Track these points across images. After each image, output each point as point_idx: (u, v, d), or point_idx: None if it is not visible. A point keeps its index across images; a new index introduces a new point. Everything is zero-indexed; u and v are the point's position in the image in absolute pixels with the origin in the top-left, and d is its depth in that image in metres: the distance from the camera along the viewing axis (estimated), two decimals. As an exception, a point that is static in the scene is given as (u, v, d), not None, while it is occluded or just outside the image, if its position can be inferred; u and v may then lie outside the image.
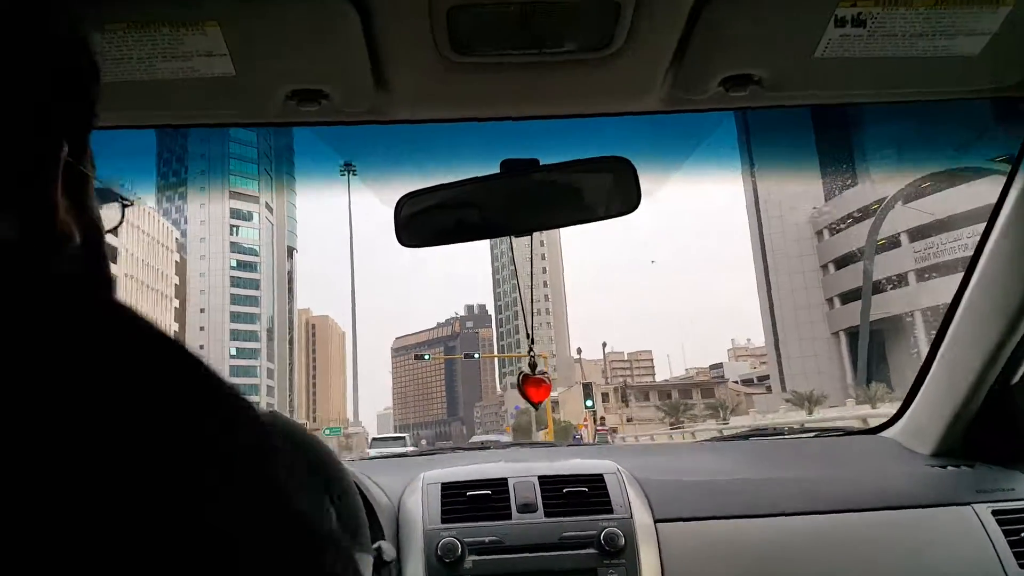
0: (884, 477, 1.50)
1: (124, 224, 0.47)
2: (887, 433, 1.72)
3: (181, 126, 1.15)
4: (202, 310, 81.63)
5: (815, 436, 1.89)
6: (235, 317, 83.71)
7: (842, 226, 49.13)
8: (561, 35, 0.98)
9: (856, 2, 0.91)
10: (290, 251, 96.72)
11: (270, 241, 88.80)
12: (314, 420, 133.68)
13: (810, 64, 1.01)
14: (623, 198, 1.13)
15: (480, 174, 1.13)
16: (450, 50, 0.96)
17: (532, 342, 1.24)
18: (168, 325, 68.36)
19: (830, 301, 50.74)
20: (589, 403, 27.76)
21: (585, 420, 43.11)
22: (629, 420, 55.98)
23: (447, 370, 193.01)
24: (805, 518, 1.38)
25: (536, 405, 1.25)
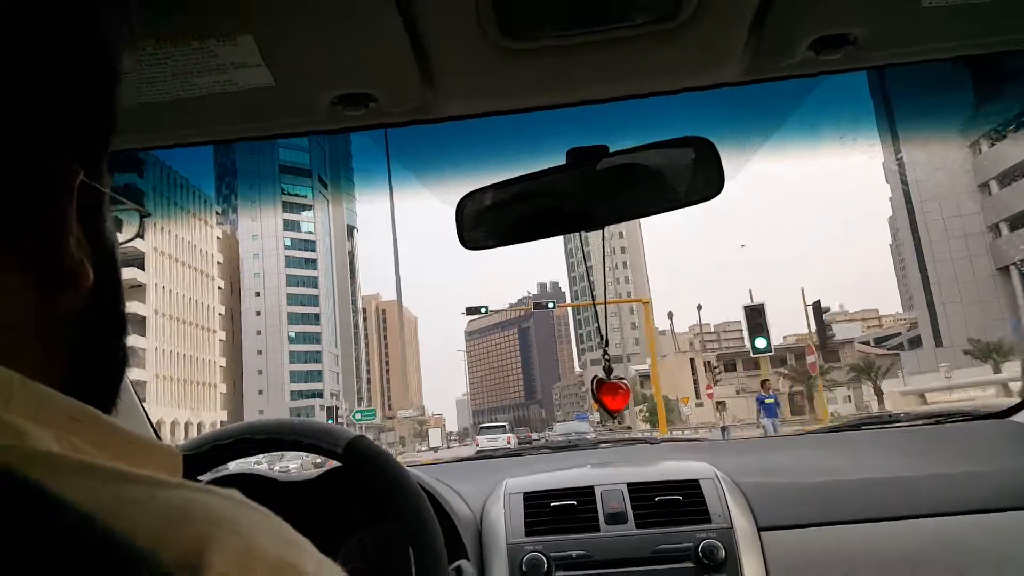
0: (1021, 470, 1.41)
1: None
2: (1018, 417, 1.62)
3: (227, 141, 1.17)
4: (257, 294, 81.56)
5: (935, 423, 1.81)
6: (292, 299, 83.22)
7: (1010, 129, 40.35)
8: (621, 9, 0.93)
9: None
10: (350, 230, 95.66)
11: (326, 220, 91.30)
12: (389, 408, 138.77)
13: (917, 15, 0.94)
14: (704, 182, 1.09)
15: (545, 166, 1.12)
16: (500, 36, 0.93)
17: (607, 345, 1.22)
18: (213, 308, 68.02)
19: (994, 228, 42.82)
20: (762, 343, 17.23)
21: (710, 390, 38.53)
22: (739, 393, 50.78)
23: (523, 351, 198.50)
24: (931, 521, 1.32)
25: (613, 414, 1.25)
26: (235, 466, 1.30)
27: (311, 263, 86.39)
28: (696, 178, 1.11)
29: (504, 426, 38.33)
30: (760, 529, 1.32)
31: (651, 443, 2.03)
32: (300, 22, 0.88)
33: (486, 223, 1.17)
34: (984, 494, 1.34)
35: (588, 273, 1.27)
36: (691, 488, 1.38)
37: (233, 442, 1.09)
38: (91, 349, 0.45)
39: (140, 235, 0.59)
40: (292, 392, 79.99)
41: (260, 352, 79.86)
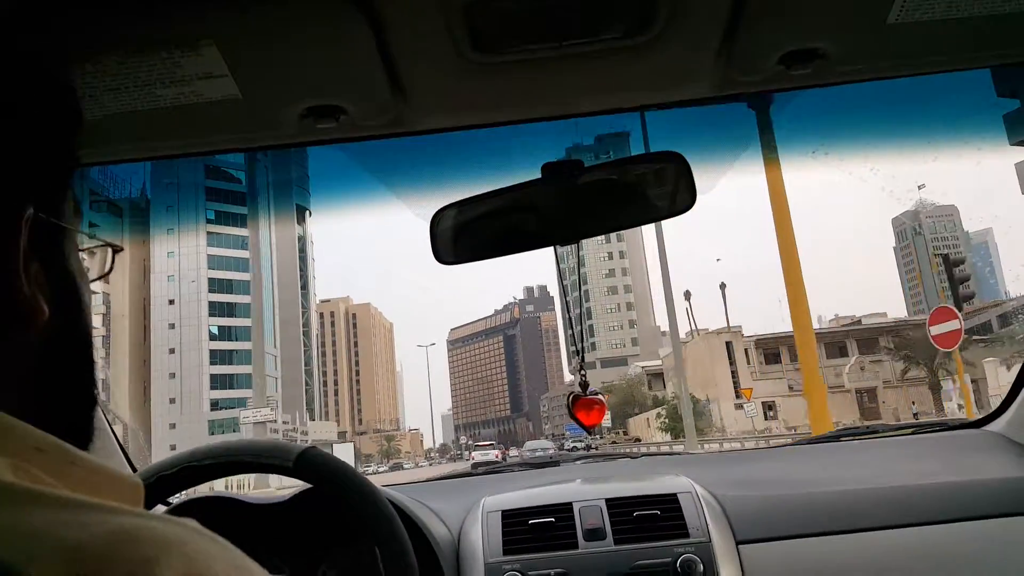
0: (997, 479, 1.60)
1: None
2: (992, 427, 1.85)
3: (195, 154, 1.30)
4: (170, 277, 75.04)
5: (912, 433, 2.06)
6: (214, 285, 76.72)
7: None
8: (593, 22, 1.06)
9: None
10: (300, 211, 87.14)
11: (267, 190, 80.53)
12: (360, 423, 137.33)
13: (882, 31, 1.08)
14: (677, 197, 1.25)
15: (520, 179, 1.28)
16: (471, 50, 1.06)
17: (582, 359, 1.39)
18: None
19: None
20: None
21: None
22: (793, 390, 40.07)
23: (508, 361, 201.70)
24: (909, 531, 1.50)
25: (589, 429, 1.50)
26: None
27: (241, 241, 79.19)
28: (669, 192, 1.27)
29: (493, 443, 59.45)
30: (739, 543, 1.49)
31: (632, 457, 2.23)
32: (266, 31, 0.98)
33: (460, 238, 1.33)
34: (963, 503, 1.53)
35: (579, 283, 1.51)
36: (669, 503, 1.54)
37: (178, 471, 1.18)
38: (57, 382, 0.53)
39: (109, 271, 0.67)
40: (212, 400, 74.76)
41: (173, 351, 73.93)
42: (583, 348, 1.45)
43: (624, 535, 1.52)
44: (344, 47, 1.03)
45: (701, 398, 44.12)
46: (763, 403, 37.89)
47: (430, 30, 1.01)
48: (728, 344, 47.37)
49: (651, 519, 1.53)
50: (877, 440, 2.08)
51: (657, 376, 58.10)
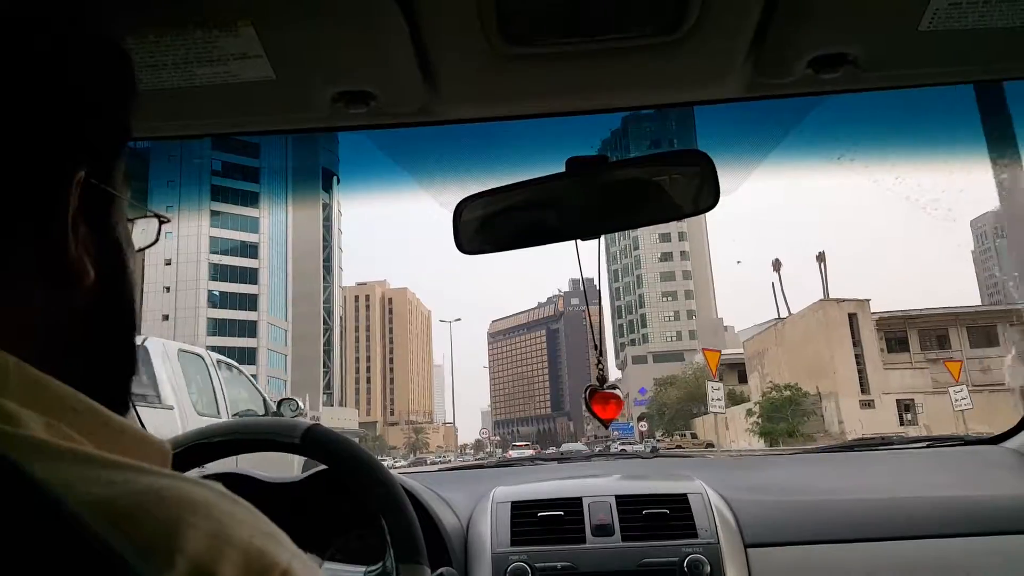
0: (1011, 496, 1.68)
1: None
2: (1009, 444, 1.93)
3: (227, 134, 1.42)
4: (167, 234, 75.83)
5: (927, 446, 2.17)
6: (216, 244, 75.46)
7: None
8: (624, 18, 1.15)
9: None
10: (327, 175, 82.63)
11: (283, 147, 73.82)
12: (392, 413, 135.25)
13: (913, 39, 1.15)
14: (700, 196, 1.34)
15: (544, 173, 1.38)
16: (502, 41, 1.14)
17: (600, 354, 1.48)
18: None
19: None
20: None
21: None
22: (938, 384, 31.25)
23: (550, 356, 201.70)
24: (920, 543, 1.57)
25: (606, 423, 1.52)
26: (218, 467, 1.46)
27: (250, 197, 76.09)
28: (693, 191, 1.36)
29: (528, 443, 68.78)
30: (747, 546, 1.57)
31: (644, 457, 2.36)
32: (302, 13, 1.08)
33: (483, 228, 1.44)
34: (976, 519, 1.60)
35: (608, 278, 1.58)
36: (679, 502, 1.63)
37: (187, 449, 1.29)
38: (99, 346, 0.58)
39: (155, 241, 0.75)
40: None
41: (167, 317, 71.94)
42: (600, 336, 1.53)
43: (632, 532, 1.62)
44: (377, 33, 1.11)
45: (810, 392, 35.80)
46: (897, 401, 31.58)
47: (462, 20, 1.10)
48: (852, 318, 36.14)
49: (660, 518, 1.62)
50: (892, 452, 2.17)
51: (733, 368, 50.02)
